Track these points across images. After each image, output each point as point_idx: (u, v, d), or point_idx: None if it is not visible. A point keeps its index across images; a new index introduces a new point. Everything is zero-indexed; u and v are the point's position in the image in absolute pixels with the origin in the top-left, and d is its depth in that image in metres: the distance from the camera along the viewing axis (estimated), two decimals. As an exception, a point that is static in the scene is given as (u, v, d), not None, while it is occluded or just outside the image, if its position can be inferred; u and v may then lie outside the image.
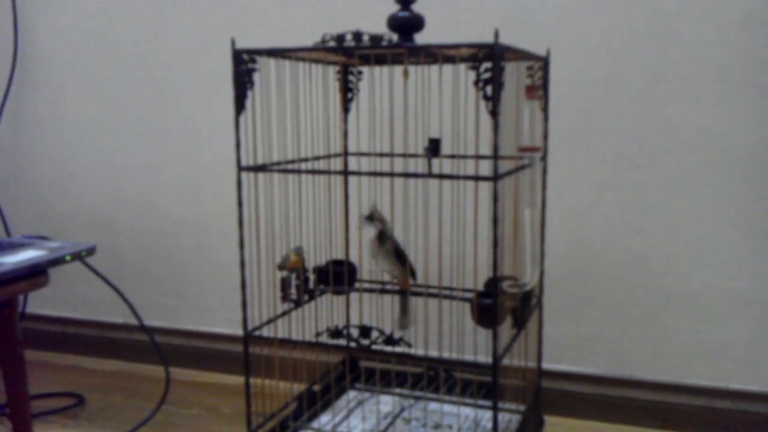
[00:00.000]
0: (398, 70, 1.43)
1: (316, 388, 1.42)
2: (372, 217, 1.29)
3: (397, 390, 1.50)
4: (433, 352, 1.43)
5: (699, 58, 1.42)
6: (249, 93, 1.14)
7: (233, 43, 1.12)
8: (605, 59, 1.48)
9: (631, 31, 1.46)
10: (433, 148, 1.26)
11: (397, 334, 1.26)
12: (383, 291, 1.35)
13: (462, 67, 1.35)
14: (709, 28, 1.41)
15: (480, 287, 1.30)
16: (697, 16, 1.41)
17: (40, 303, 2.05)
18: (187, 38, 1.79)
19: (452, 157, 1.37)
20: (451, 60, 1.21)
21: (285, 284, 1.29)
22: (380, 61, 1.32)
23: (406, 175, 1.11)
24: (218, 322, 1.88)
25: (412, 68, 1.35)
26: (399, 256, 1.31)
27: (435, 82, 1.33)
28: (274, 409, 1.31)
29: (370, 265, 1.37)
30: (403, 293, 1.34)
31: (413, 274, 1.34)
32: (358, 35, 1.07)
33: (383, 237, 1.28)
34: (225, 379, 1.84)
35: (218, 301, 1.87)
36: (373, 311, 1.51)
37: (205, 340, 1.90)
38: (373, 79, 1.48)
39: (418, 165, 1.41)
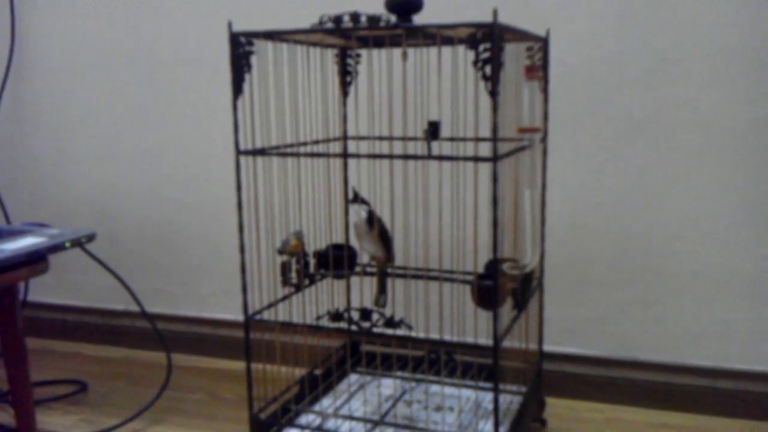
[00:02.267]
0: (397, 53, 1.42)
1: (318, 372, 1.42)
2: (357, 199, 1.29)
3: (399, 373, 1.50)
4: (434, 335, 1.43)
5: (699, 39, 1.42)
6: (247, 76, 1.13)
7: (230, 26, 1.11)
8: (605, 40, 1.47)
9: (631, 11, 1.45)
10: (433, 130, 1.26)
11: (381, 311, 1.26)
12: (383, 275, 1.35)
13: (461, 48, 1.34)
14: (708, 7, 1.40)
15: (480, 269, 1.30)
16: (697, -5, 1.41)
17: (41, 291, 2.05)
18: (186, 23, 1.78)
19: (452, 139, 1.37)
20: (449, 41, 1.20)
21: (285, 269, 1.29)
22: (378, 43, 1.31)
23: (406, 156, 1.10)
24: (219, 308, 1.88)
25: (411, 51, 1.34)
26: (384, 239, 1.31)
27: (434, 65, 1.33)
28: (275, 393, 1.31)
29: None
30: (383, 273, 1.34)
31: (392, 256, 1.35)
32: (355, 16, 1.06)
33: (372, 220, 1.29)
34: (227, 365, 1.84)
35: (219, 287, 1.87)
36: (374, 295, 1.51)
37: (206, 326, 1.90)
38: (372, 63, 1.48)
39: (418, 148, 1.41)
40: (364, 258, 1.43)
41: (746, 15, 1.38)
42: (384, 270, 1.35)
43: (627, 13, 1.45)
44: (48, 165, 2.00)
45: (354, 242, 1.47)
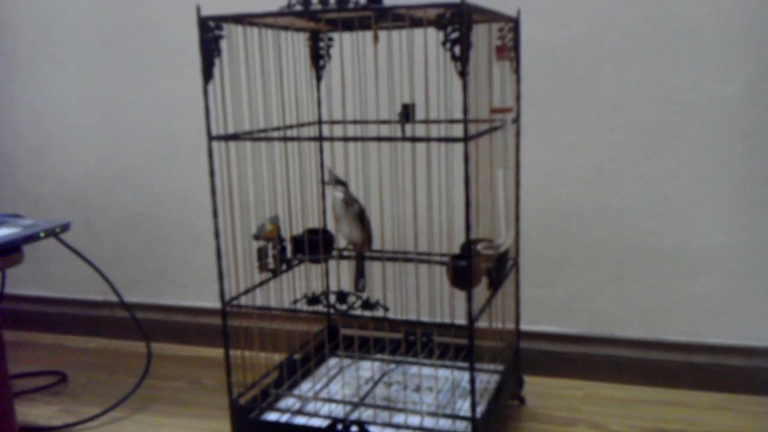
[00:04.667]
0: (368, 36, 1.42)
1: (297, 356, 1.42)
2: (333, 180, 1.29)
3: (377, 356, 1.50)
4: (411, 317, 1.44)
5: (671, 15, 1.42)
6: (217, 61, 1.13)
7: (198, 10, 1.11)
8: (576, 19, 1.48)
9: (601, -10, 1.45)
10: (406, 113, 1.26)
11: (360, 294, 1.27)
12: (361, 257, 1.35)
13: (431, 30, 1.34)
14: (678, -16, 1.41)
15: (456, 251, 1.30)
16: (666, -27, 1.41)
17: (18, 283, 2.04)
18: (156, 8, 1.77)
19: (425, 122, 1.37)
20: (419, 23, 1.20)
21: (262, 254, 1.29)
22: (349, 26, 1.31)
23: (379, 139, 1.10)
24: (198, 296, 1.88)
25: (382, 35, 1.34)
26: (362, 221, 1.31)
27: (405, 48, 1.33)
28: (255, 379, 1.31)
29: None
30: (362, 257, 1.35)
31: (370, 239, 1.35)
32: (324, -1, 1.06)
33: (349, 200, 1.29)
34: (207, 352, 1.84)
35: (197, 275, 1.87)
36: (351, 279, 1.52)
37: (185, 315, 1.90)
38: (343, 47, 1.47)
39: (392, 132, 1.41)
40: (341, 242, 1.44)
41: (715, -8, 1.39)
42: (362, 254, 1.35)
43: (597, -7, 1.46)
44: (21, 155, 1.98)
45: (331, 226, 1.47)
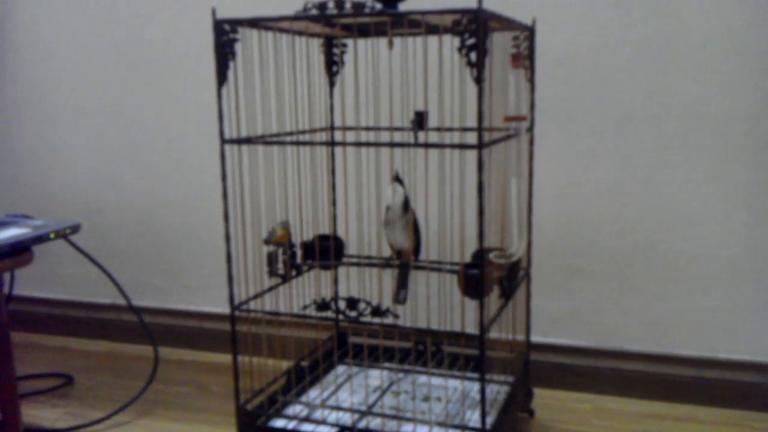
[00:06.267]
0: (383, 42, 1.42)
1: (305, 363, 1.41)
2: (398, 179, 1.24)
3: (386, 364, 1.49)
4: (422, 325, 1.43)
5: (684, 27, 1.42)
6: (231, 64, 1.12)
7: (214, 13, 1.11)
8: (591, 29, 1.47)
9: (616, 0, 1.45)
10: (419, 120, 1.25)
11: (392, 307, 1.25)
12: (406, 267, 1.33)
13: (446, 38, 1.34)
14: (695, -4, 1.40)
15: (467, 259, 1.29)
16: (683, -15, 1.41)
17: (27, 285, 2.04)
18: (170, 11, 1.77)
19: (438, 129, 1.36)
20: (435, 30, 1.19)
21: (272, 259, 1.28)
22: (364, 32, 1.30)
23: (392, 144, 1.10)
24: (207, 301, 1.88)
25: (397, 42, 1.33)
26: (415, 229, 1.29)
27: (420, 54, 1.32)
28: (262, 385, 1.30)
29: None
30: (406, 266, 1.31)
31: (418, 249, 1.32)
32: (340, 3, 1.06)
33: (407, 205, 1.25)
34: (215, 358, 1.84)
35: (207, 280, 1.87)
36: (361, 286, 1.51)
37: (194, 319, 1.90)
38: (358, 53, 1.47)
39: (405, 139, 1.40)
40: (351, 249, 1.43)
41: (733, 5, 1.38)
42: (408, 263, 1.32)
43: (612, 2, 1.45)
44: (32, 157, 1.99)
45: (341, 232, 1.46)
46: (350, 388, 1.40)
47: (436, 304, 1.39)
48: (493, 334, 1.21)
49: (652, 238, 1.50)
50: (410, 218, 1.27)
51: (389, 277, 1.41)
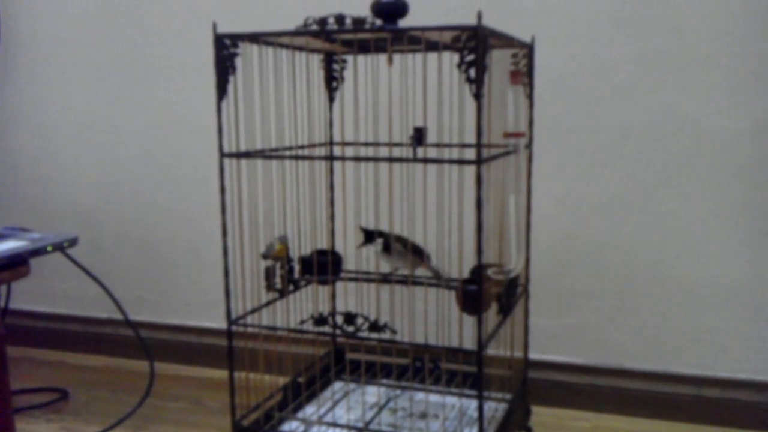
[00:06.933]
0: (383, 59, 1.42)
1: (302, 379, 1.40)
2: (370, 238, 1.30)
3: (383, 381, 1.49)
4: (419, 341, 1.42)
5: (684, 45, 1.42)
6: (231, 78, 1.13)
7: (215, 27, 1.11)
8: (590, 47, 1.48)
9: (616, 18, 1.45)
10: (418, 136, 1.25)
11: (389, 323, 1.25)
12: (368, 280, 1.34)
13: (446, 54, 1.34)
14: (693, 14, 1.41)
15: (465, 275, 1.29)
16: (682, 3, 1.41)
17: (23, 298, 2.03)
18: (170, 24, 1.78)
19: (437, 145, 1.36)
20: (435, 47, 1.20)
21: (269, 273, 1.28)
22: (364, 48, 1.31)
23: (390, 159, 1.10)
24: (204, 317, 1.87)
25: (396, 59, 1.34)
26: (415, 250, 1.32)
27: (420, 71, 1.32)
28: (259, 400, 1.29)
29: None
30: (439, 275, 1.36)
31: (422, 259, 1.35)
32: (340, 19, 1.06)
33: (388, 247, 1.29)
34: (211, 374, 1.83)
35: (204, 296, 1.86)
36: (359, 302, 1.50)
37: (190, 335, 1.89)
38: (357, 69, 1.47)
39: (404, 154, 1.40)
40: (349, 264, 1.42)
41: (731, 21, 1.39)
42: (438, 272, 1.36)
43: (612, 20, 1.46)
44: (31, 170, 1.99)
45: (339, 248, 1.46)
46: (347, 404, 1.40)
47: (434, 320, 1.38)
48: (491, 350, 1.20)
49: (651, 255, 1.50)
50: (397, 250, 1.30)
51: (387, 292, 1.40)
